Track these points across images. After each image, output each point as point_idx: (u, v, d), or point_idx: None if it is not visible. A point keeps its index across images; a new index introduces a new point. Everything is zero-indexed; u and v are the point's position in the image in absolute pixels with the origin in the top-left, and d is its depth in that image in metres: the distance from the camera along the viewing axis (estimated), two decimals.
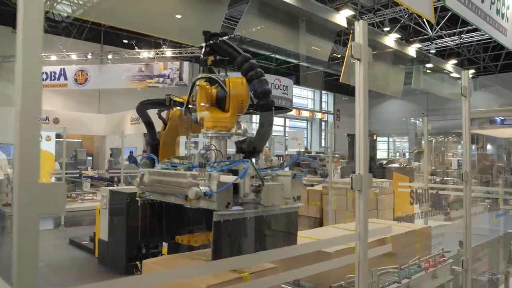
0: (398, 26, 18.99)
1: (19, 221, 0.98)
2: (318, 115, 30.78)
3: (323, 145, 29.12)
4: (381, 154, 28.11)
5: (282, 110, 20.18)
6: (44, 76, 16.87)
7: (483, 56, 25.66)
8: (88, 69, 17.47)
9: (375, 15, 16.53)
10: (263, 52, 22.51)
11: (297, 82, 26.42)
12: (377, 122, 28.40)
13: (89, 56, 17.51)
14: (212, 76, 2.87)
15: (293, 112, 26.14)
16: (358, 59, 2.27)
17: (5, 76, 18.18)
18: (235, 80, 2.84)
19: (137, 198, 2.86)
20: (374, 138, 14.50)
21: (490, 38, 19.42)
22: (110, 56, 17.74)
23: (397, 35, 17.41)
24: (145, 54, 17.57)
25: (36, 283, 1.00)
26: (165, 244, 5.52)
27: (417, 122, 22.66)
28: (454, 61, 21.33)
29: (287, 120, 29.14)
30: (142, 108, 4.41)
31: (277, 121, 28.73)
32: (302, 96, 30.08)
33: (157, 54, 17.68)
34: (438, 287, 3.40)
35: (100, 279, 2.92)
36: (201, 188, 2.27)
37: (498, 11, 11.97)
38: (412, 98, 27.37)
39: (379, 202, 8.01)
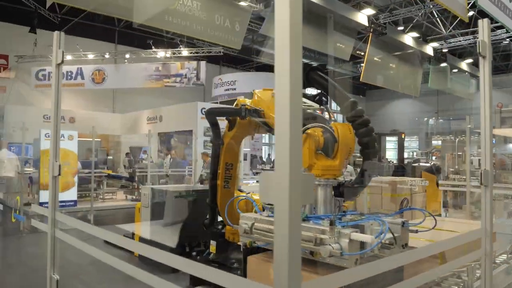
0: (410, 26, 19.01)
1: (290, 210, 0.99)
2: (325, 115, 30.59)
3: None
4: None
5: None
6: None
7: (494, 55, 25.66)
8: (105, 68, 17.51)
9: (391, 14, 16.52)
10: (272, 52, 22.51)
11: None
12: (387, 121, 28.38)
13: (107, 56, 17.55)
14: (325, 126, 2.82)
15: None
16: (483, 56, 2.26)
17: (21, 76, 18.26)
18: (343, 128, 2.80)
19: (246, 246, 2.79)
20: (403, 137, 14.41)
21: (502, 38, 19.33)
22: (127, 56, 17.77)
23: (416, 34, 17.37)
24: (162, 53, 17.60)
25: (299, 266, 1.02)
26: (213, 242, 5.55)
27: (430, 121, 22.67)
28: (469, 60, 21.29)
29: None
30: (214, 115, 4.50)
31: None
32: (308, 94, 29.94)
33: (174, 53, 17.71)
34: None
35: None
36: (333, 245, 2.25)
37: None
38: (422, 98, 27.37)
39: (412, 200, 8.02)
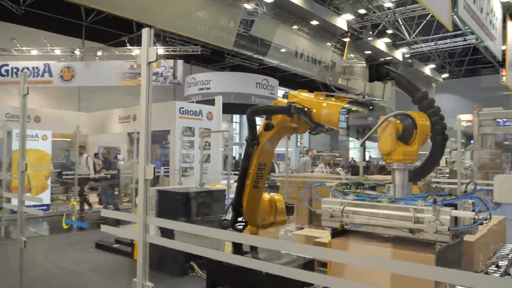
0: (376, 31, 19.79)
1: None
2: None
3: (298, 145, 29.57)
4: None
5: None
6: (27, 72, 16.04)
7: (449, 61, 27.21)
8: (74, 65, 16.79)
9: (363, 19, 17.11)
10: (245, 52, 22.53)
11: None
12: None
13: (77, 52, 16.84)
14: (407, 114, 2.97)
15: None
16: None
17: None
18: (420, 116, 2.95)
19: (337, 228, 2.91)
20: None
21: (459, 44, 20.52)
22: (99, 53, 17.14)
23: (388, 40, 18.08)
24: (137, 51, 17.11)
25: None
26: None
27: None
28: (432, 66, 22.44)
29: None
30: (257, 113, 4.48)
31: (257, 121, 28.84)
32: (278, 97, 30.40)
33: None
34: None
35: (158, 281, 2.98)
36: (436, 222, 2.42)
37: (490, 22, 12.85)
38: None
39: None
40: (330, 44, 13.15)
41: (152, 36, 2.92)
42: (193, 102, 16.92)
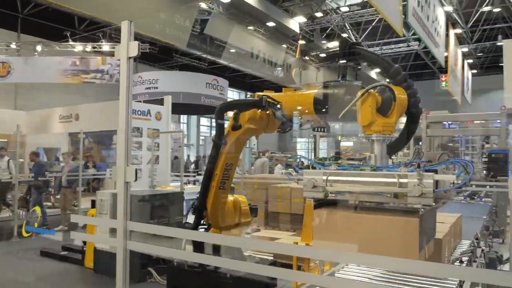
0: (324, 35, 20.26)
1: None
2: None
3: (248, 146, 29.57)
4: None
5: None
6: None
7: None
8: (11, 60, 15.58)
9: (314, 23, 17.42)
10: (194, 52, 22.16)
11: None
12: None
13: (13, 46, 15.66)
14: (388, 85, 2.99)
15: None
16: None
17: None
18: (398, 90, 3.01)
19: (321, 198, 2.86)
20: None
21: (402, 50, 21.57)
22: (39, 48, 16.02)
23: (337, 43, 18.48)
24: (80, 47, 16.23)
25: None
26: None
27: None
28: (378, 70, 23.32)
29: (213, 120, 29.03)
30: (226, 110, 4.32)
31: (203, 121, 28.55)
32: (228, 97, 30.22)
33: (94, 48, 16.44)
34: None
35: None
36: (420, 186, 2.43)
37: (435, 29, 13.51)
38: None
39: None
40: (285, 46, 13.27)
41: (133, 29, 2.71)
42: (140, 101, 16.33)
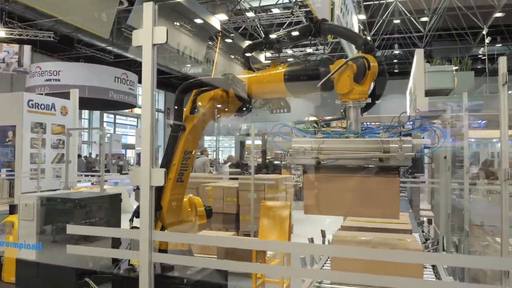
0: (248, 34, 20.27)
1: None
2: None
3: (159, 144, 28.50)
4: None
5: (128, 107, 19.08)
6: None
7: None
8: None
9: (229, 21, 17.29)
10: (98, 44, 20.64)
11: None
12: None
13: None
14: (362, 55, 3.14)
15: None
16: None
17: None
18: (370, 58, 3.17)
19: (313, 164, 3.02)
20: (265, 137, 15.22)
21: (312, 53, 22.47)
22: None
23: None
24: None
25: None
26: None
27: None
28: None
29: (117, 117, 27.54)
30: (190, 89, 3.96)
31: (106, 118, 26.80)
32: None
33: None
34: None
35: None
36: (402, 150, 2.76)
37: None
38: None
39: None
40: (211, 43, 12.99)
41: (157, 13, 2.34)
42: (41, 94, 14.74)
